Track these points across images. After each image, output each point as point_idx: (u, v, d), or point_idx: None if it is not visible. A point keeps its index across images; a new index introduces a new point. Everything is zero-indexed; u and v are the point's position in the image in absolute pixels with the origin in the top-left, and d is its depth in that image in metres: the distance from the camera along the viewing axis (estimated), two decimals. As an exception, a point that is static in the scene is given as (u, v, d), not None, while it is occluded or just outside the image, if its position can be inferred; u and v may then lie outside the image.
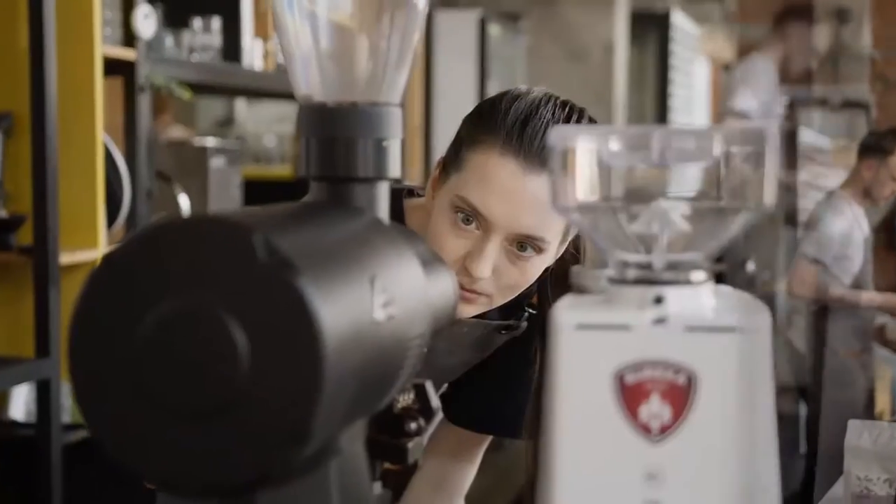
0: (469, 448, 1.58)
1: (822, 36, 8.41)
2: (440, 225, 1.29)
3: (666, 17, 7.72)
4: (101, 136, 2.51)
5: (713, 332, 0.64)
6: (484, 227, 1.26)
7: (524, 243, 1.26)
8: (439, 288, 0.80)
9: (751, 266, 4.92)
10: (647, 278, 0.66)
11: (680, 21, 7.75)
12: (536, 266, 1.29)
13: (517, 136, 1.25)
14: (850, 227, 3.95)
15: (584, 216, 0.68)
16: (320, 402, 0.58)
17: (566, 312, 0.65)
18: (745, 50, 9.92)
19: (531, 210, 1.24)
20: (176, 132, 4.16)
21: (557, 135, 0.67)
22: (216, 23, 3.12)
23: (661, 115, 7.57)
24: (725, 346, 0.64)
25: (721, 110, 4.08)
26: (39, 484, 2.48)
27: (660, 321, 0.64)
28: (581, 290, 0.73)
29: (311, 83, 0.78)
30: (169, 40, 3.00)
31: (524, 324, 1.43)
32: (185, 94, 2.79)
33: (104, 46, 2.58)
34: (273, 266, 0.58)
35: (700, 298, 0.66)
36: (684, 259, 0.67)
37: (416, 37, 0.78)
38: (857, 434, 1.79)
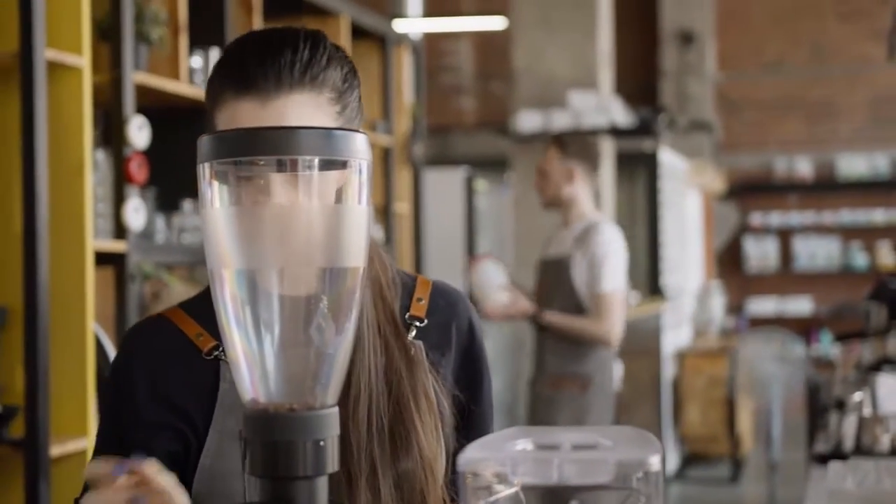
0: None
1: (666, 57, 8.42)
2: None
3: (653, 156, 7.87)
4: (92, 327, 2.60)
5: None
6: None
7: None
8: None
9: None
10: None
11: (668, 158, 7.90)
12: None
13: (244, 70, 1.19)
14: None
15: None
16: None
17: None
18: (734, 178, 10.07)
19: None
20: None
21: (466, 459, 0.74)
22: (206, 203, 3.21)
23: (653, 250, 7.65)
24: None
25: None
26: None
27: None
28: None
29: (255, 388, 0.86)
30: (160, 223, 3.11)
31: None
32: (173, 282, 2.88)
33: (96, 241, 2.68)
34: None
35: None
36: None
37: (347, 350, 0.86)
38: (840, 477, 1.63)
